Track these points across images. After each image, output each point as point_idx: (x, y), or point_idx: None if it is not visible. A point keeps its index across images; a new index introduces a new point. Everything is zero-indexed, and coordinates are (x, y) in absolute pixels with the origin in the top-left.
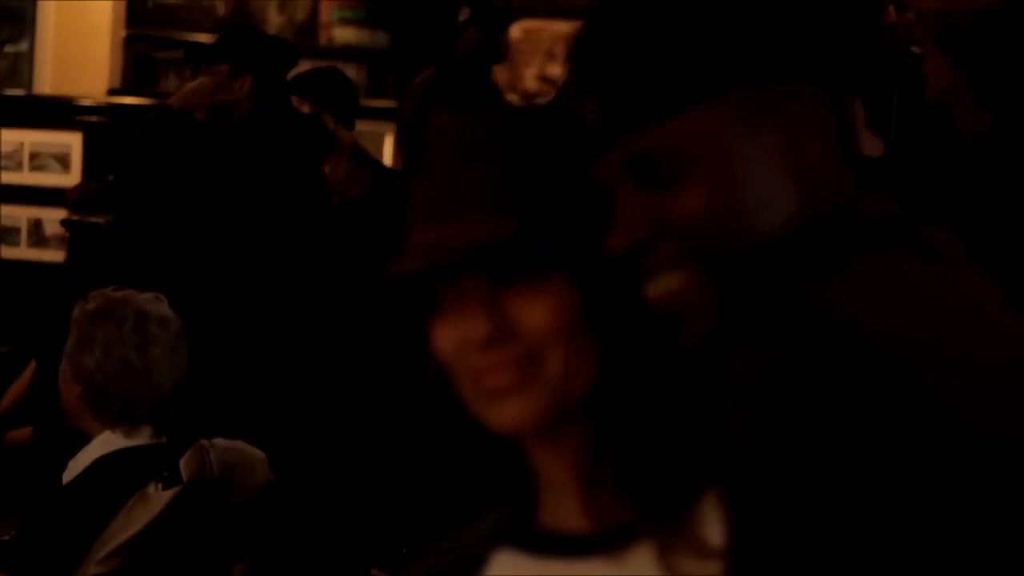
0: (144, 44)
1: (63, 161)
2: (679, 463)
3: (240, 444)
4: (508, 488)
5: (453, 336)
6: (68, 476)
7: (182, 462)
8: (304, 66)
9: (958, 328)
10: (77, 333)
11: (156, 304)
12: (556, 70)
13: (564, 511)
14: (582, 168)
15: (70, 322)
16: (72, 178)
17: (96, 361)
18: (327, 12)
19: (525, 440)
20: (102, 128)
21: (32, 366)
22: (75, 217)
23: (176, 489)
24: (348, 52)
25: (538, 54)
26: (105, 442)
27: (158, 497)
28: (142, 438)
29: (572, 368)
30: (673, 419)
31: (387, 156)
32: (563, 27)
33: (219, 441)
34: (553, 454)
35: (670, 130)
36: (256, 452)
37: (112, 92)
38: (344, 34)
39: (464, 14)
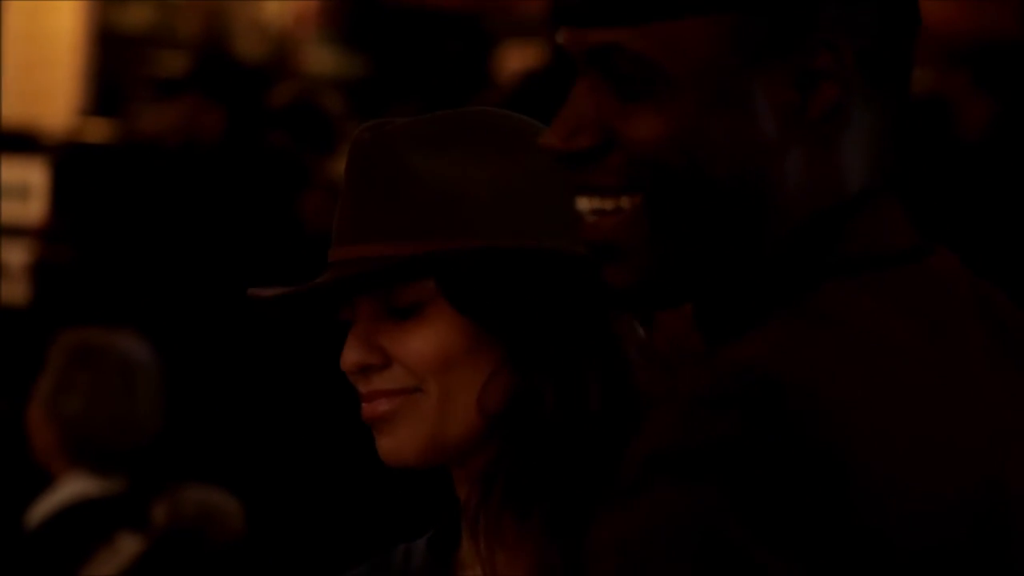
0: (112, 68)
1: (24, 193)
2: (576, 492)
3: (213, 492)
4: (436, 517)
5: (342, 360)
6: (32, 521)
7: (153, 510)
8: (280, 92)
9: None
10: (56, 376)
11: (137, 347)
12: None
13: (472, 550)
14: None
15: (42, 363)
16: (34, 211)
17: (79, 406)
18: (303, 36)
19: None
20: (68, 158)
21: None
22: (41, 253)
23: (146, 539)
24: (325, 79)
25: None
26: (72, 486)
27: (127, 546)
28: (109, 484)
29: (452, 401)
30: (575, 453)
31: None
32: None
33: (192, 488)
34: (461, 485)
35: (646, 34)
36: (230, 500)
37: (78, 119)
38: (321, 60)
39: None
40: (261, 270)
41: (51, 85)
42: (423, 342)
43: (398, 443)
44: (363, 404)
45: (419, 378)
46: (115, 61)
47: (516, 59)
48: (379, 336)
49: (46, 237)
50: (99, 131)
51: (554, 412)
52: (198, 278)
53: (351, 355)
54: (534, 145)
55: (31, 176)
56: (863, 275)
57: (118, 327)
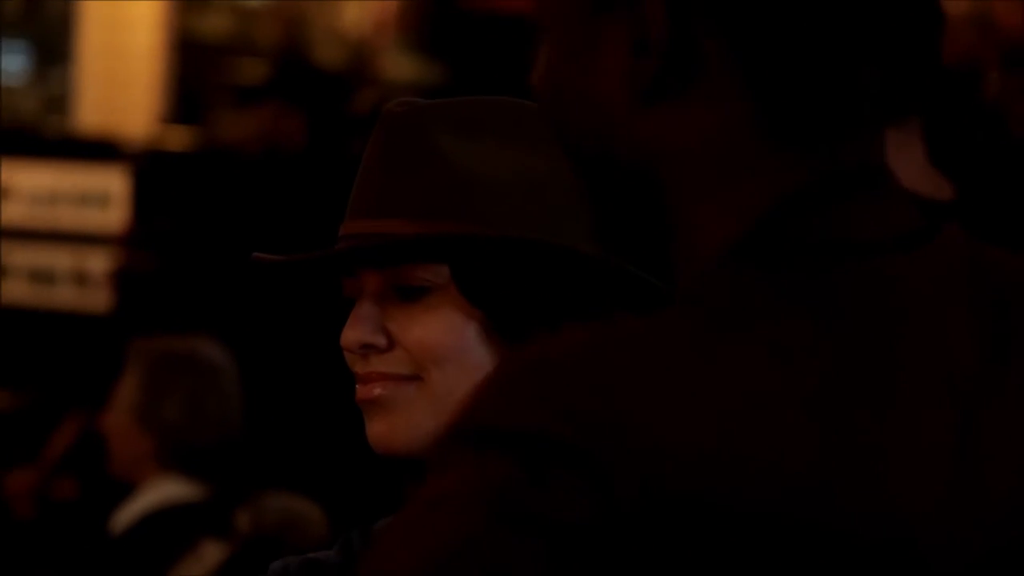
0: (191, 76)
1: (107, 200)
2: None
3: (296, 499)
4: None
5: (341, 339)
6: (116, 527)
7: (237, 517)
8: (361, 99)
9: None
10: (148, 383)
11: (212, 350)
12: None
13: None
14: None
15: (127, 370)
16: (116, 218)
17: (178, 412)
18: (382, 42)
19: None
20: (149, 166)
21: (74, 417)
22: (122, 261)
23: (230, 545)
24: (404, 85)
25: None
26: (152, 493)
27: (211, 553)
28: (193, 490)
29: (454, 392)
30: None
31: None
32: None
33: (275, 496)
34: None
35: None
36: (313, 507)
37: (158, 127)
38: (400, 66)
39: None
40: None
41: (131, 93)
42: (430, 330)
43: (390, 430)
44: (358, 385)
45: (421, 366)
46: (194, 69)
47: None
48: (384, 317)
49: (127, 245)
50: (179, 139)
51: None
52: (278, 284)
53: (354, 333)
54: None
55: (111, 184)
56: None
57: (197, 334)
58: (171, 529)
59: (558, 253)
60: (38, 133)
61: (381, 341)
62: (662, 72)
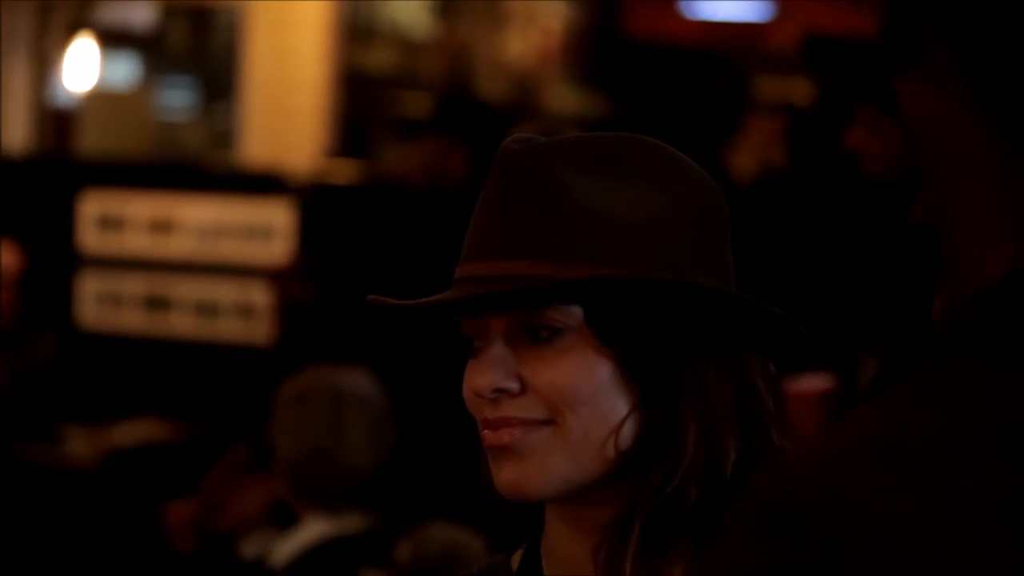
0: (356, 110)
1: (271, 233)
2: (705, 544)
3: (457, 529)
4: (512, 553)
5: (469, 382)
6: (275, 558)
7: (398, 547)
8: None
9: None
10: (276, 416)
11: (357, 381)
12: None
13: None
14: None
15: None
16: (280, 251)
17: (291, 445)
18: (546, 75)
19: (549, 504)
20: (313, 199)
21: (237, 448)
22: (284, 293)
23: None
24: (568, 118)
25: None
26: (312, 526)
27: None
28: (352, 522)
29: (589, 437)
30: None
31: None
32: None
33: (436, 527)
34: (572, 526)
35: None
36: (474, 537)
37: (323, 161)
38: (564, 99)
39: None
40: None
41: (296, 127)
42: (564, 374)
43: (524, 476)
44: (486, 431)
45: (555, 410)
46: (359, 102)
47: (768, 95)
48: (516, 361)
49: (292, 277)
50: (344, 173)
51: (692, 459)
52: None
53: (486, 378)
54: (686, 177)
55: (276, 218)
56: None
57: (352, 365)
58: (333, 560)
59: (690, 292)
60: (204, 167)
61: (514, 386)
62: None
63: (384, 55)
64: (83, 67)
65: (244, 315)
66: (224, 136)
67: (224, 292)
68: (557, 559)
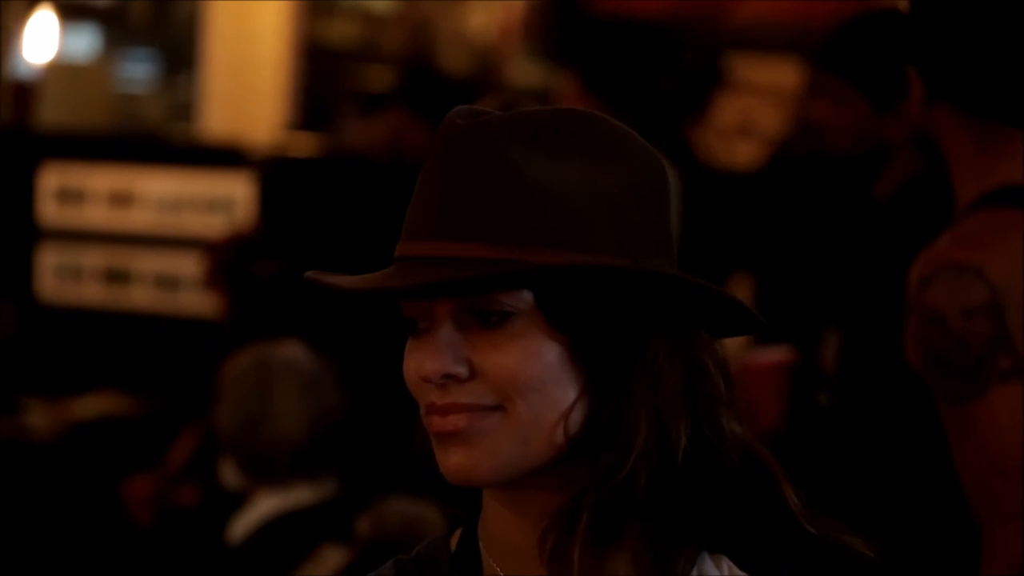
0: (317, 83)
1: (232, 206)
2: (679, 530)
3: (417, 503)
4: (450, 536)
5: (414, 366)
6: (233, 535)
7: (358, 522)
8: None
9: None
10: (218, 393)
11: (287, 352)
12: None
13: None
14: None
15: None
16: (239, 224)
17: (225, 419)
18: (508, 49)
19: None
20: (274, 172)
21: (197, 423)
22: (236, 266)
23: (351, 551)
24: (530, 92)
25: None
26: (263, 501)
27: (332, 559)
28: (304, 494)
29: (537, 422)
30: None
31: None
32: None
33: (396, 500)
34: (515, 512)
35: None
36: (433, 511)
37: (284, 134)
38: (526, 73)
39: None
40: None
41: (257, 101)
42: (515, 359)
43: (472, 462)
44: (433, 416)
45: (505, 396)
46: (321, 76)
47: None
48: (465, 346)
49: (232, 249)
50: (305, 146)
51: (644, 443)
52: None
53: (435, 363)
54: (632, 152)
55: (236, 191)
56: None
57: (305, 338)
58: (290, 535)
59: (645, 277)
60: (164, 140)
61: (463, 371)
62: None
63: (346, 28)
64: (43, 39)
65: (204, 288)
66: (184, 109)
67: (184, 265)
68: (497, 544)
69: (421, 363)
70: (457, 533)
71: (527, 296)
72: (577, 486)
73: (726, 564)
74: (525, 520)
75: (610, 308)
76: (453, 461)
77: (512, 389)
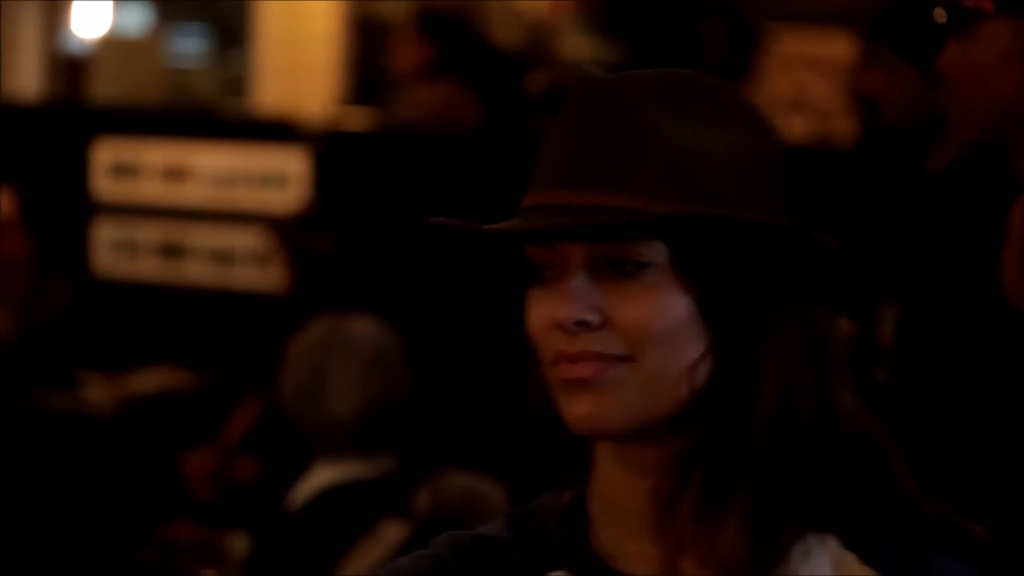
0: (369, 57)
1: (285, 181)
2: (791, 501)
3: (477, 477)
4: (557, 496)
5: (543, 313)
6: (292, 505)
7: (416, 496)
8: (536, 79)
9: None
10: (282, 365)
11: (353, 328)
12: (815, 86)
13: (629, 541)
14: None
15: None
16: (294, 199)
17: (286, 391)
18: (559, 22)
19: (600, 445)
20: (327, 146)
21: (254, 397)
22: (297, 240)
23: (410, 525)
24: (580, 65)
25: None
26: (321, 472)
27: (391, 533)
28: (361, 468)
29: (665, 376)
30: (796, 449)
31: None
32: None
33: (455, 474)
34: (629, 466)
35: None
36: (493, 485)
37: (337, 108)
38: (577, 47)
39: (713, 27)
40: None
41: (309, 75)
42: (648, 310)
43: (601, 410)
44: (560, 363)
45: (636, 346)
46: (373, 50)
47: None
48: (598, 294)
49: (296, 226)
50: (357, 120)
51: (768, 404)
52: (453, 264)
53: (568, 309)
54: (753, 118)
55: (290, 165)
56: None
57: (365, 313)
58: (347, 507)
59: (780, 233)
60: (217, 115)
61: (596, 319)
62: None
63: (397, 2)
64: (95, 13)
65: (260, 263)
66: (237, 83)
67: (239, 240)
68: (607, 502)
69: (554, 310)
70: (568, 492)
71: (661, 248)
72: (695, 444)
73: (833, 543)
74: (637, 479)
75: (743, 266)
76: (579, 410)
77: (643, 340)
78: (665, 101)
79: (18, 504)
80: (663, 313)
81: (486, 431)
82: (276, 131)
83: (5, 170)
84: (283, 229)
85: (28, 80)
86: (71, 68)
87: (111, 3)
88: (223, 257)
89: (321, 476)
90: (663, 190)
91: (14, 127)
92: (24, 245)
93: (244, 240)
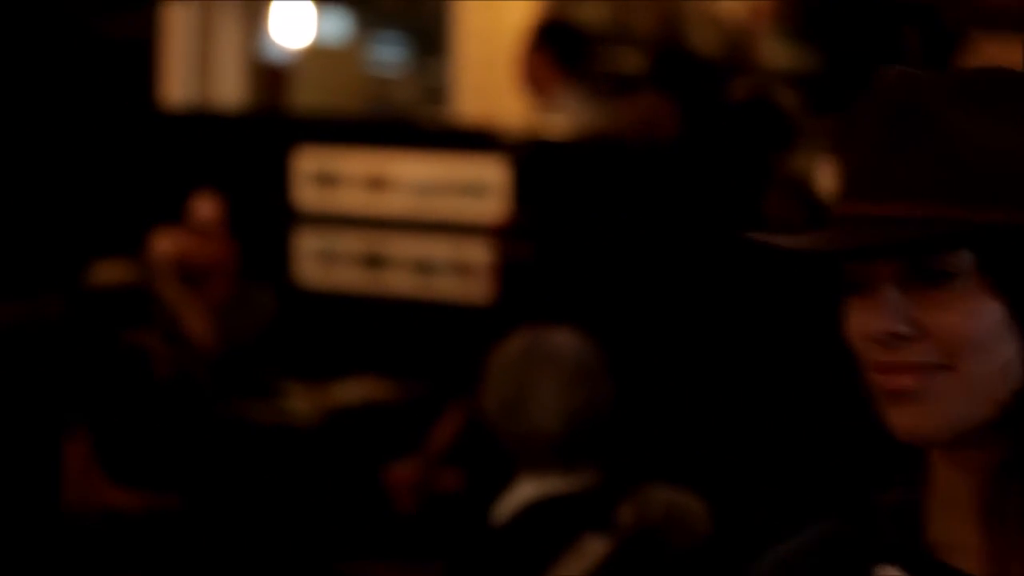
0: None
1: (485, 191)
2: None
3: (679, 492)
4: (885, 495)
5: (859, 325)
6: (497, 518)
7: (620, 511)
8: (737, 87)
9: None
10: (487, 372)
11: (556, 340)
12: None
13: (959, 540)
14: None
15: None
16: (495, 208)
17: (490, 404)
18: (759, 30)
19: (926, 448)
20: (527, 156)
21: (457, 407)
22: (505, 251)
23: (613, 540)
24: (781, 73)
25: None
26: (525, 486)
27: (594, 548)
28: (564, 482)
29: (984, 382)
30: None
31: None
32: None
33: (659, 489)
34: (958, 468)
35: None
36: (695, 500)
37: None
38: (777, 54)
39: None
40: (719, 267)
41: (509, 82)
42: (960, 318)
43: (921, 419)
44: (878, 375)
45: (951, 355)
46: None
47: (983, 55)
48: (909, 305)
49: (508, 235)
50: (557, 129)
51: None
52: (657, 275)
53: (880, 321)
54: None
55: (490, 174)
56: None
57: (567, 325)
58: (550, 521)
59: None
60: (417, 124)
61: (908, 330)
62: None
63: (596, 10)
64: (296, 22)
65: (460, 273)
66: (436, 92)
67: (440, 250)
68: (940, 499)
69: (867, 323)
70: (898, 490)
71: (968, 256)
72: (1016, 443)
73: None
74: (965, 478)
75: None
76: (901, 420)
77: (959, 347)
78: (966, 102)
79: (220, 514)
80: (976, 319)
81: (688, 445)
82: (476, 140)
83: (209, 178)
84: (499, 238)
85: (230, 89)
86: (272, 77)
87: (313, 12)
88: (424, 267)
89: (525, 490)
90: (974, 197)
91: (217, 136)
92: (228, 252)
93: (445, 250)
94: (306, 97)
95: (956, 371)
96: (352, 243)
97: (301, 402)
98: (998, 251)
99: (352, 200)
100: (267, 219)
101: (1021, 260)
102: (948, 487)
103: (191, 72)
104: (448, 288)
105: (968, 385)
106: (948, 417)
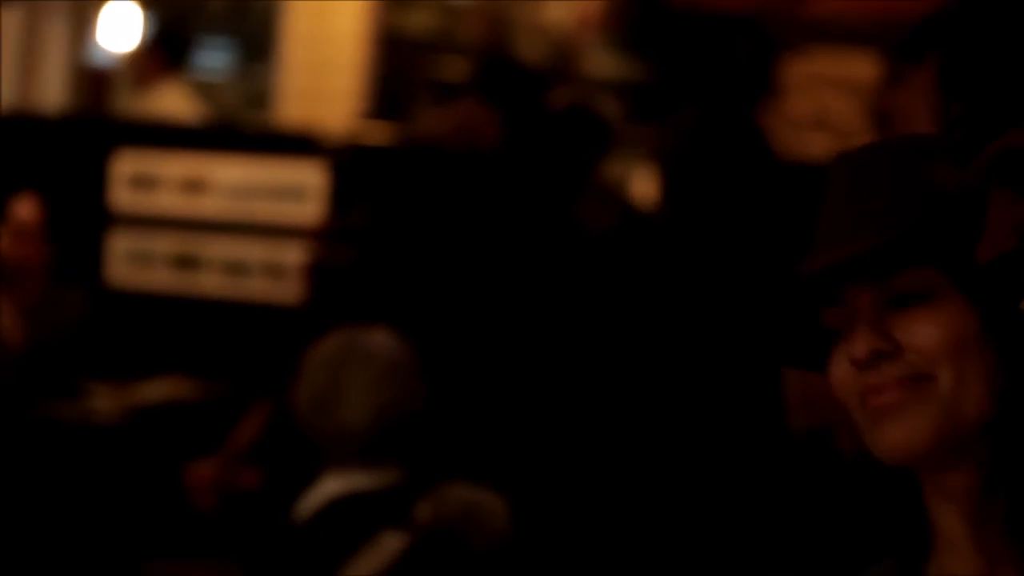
0: (393, 72)
1: (303, 194)
2: None
3: (478, 490)
4: (894, 541)
5: (842, 361)
6: (300, 513)
7: (418, 508)
8: (558, 96)
9: None
10: (301, 369)
11: (369, 340)
12: (837, 105)
13: (958, 568)
14: (967, 189)
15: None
16: (312, 212)
17: (300, 400)
18: (585, 40)
19: (917, 474)
20: (346, 160)
21: (262, 407)
22: (318, 254)
23: (410, 536)
24: (607, 83)
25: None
26: (329, 482)
27: (390, 544)
28: (367, 479)
29: (965, 390)
30: None
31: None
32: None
33: (456, 486)
34: (947, 500)
35: None
36: (494, 499)
37: (359, 123)
38: (603, 64)
39: (736, 46)
40: (537, 273)
41: (333, 89)
42: (936, 327)
43: (910, 433)
44: (867, 396)
45: (932, 364)
46: (397, 65)
47: (805, 66)
48: (886, 325)
49: (325, 238)
50: (379, 134)
51: None
52: (474, 282)
53: (863, 344)
54: None
55: (309, 178)
56: None
57: (380, 326)
58: (352, 517)
59: None
60: (238, 127)
61: (888, 346)
62: None
63: (423, 18)
64: (121, 26)
65: (273, 275)
66: (261, 97)
67: (254, 252)
68: (948, 545)
69: (850, 351)
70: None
71: (935, 277)
72: (996, 457)
73: None
74: (952, 509)
75: (1018, 286)
76: (892, 435)
77: (937, 356)
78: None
79: (22, 513)
80: (950, 330)
81: (486, 445)
82: (296, 144)
83: (29, 181)
84: (316, 240)
85: (53, 92)
86: (97, 80)
87: (139, 16)
88: (237, 268)
89: (329, 486)
90: (920, 225)
91: (38, 139)
92: (41, 253)
93: (258, 252)
94: (130, 101)
95: (937, 380)
96: (166, 245)
97: (105, 401)
98: (967, 267)
99: (167, 202)
100: (83, 221)
101: (989, 275)
102: (942, 520)
103: (15, 75)
104: (260, 289)
105: (950, 395)
106: (937, 426)
